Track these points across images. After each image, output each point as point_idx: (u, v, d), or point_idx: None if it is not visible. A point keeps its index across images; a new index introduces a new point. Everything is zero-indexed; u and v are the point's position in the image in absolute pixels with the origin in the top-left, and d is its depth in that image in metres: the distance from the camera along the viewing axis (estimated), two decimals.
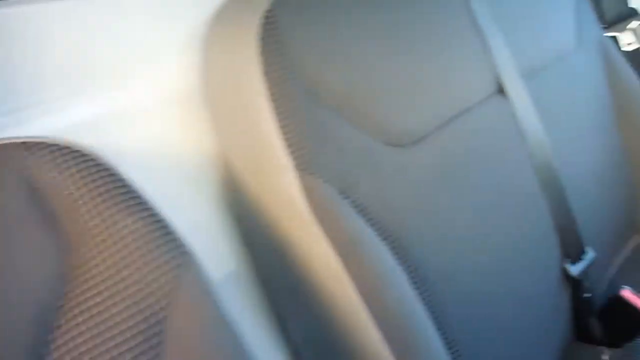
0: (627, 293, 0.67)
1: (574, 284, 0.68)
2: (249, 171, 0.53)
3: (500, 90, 0.68)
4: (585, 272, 0.68)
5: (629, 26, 1.00)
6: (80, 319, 0.33)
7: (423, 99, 0.59)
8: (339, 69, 0.52)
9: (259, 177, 0.52)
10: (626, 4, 1.01)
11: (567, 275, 0.67)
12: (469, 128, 0.63)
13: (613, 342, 0.69)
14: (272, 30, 0.49)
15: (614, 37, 0.99)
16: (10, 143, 0.35)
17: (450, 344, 0.53)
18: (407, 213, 0.53)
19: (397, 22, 0.59)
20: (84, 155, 0.36)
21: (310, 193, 0.48)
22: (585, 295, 0.69)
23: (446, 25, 0.64)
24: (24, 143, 0.35)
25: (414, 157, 0.56)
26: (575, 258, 0.68)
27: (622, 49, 0.99)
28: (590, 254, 0.69)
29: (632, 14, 1.01)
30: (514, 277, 0.63)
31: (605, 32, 0.97)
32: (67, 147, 0.36)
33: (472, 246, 0.59)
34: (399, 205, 0.53)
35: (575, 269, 0.67)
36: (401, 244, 0.52)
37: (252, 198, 0.53)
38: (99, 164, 0.37)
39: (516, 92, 0.68)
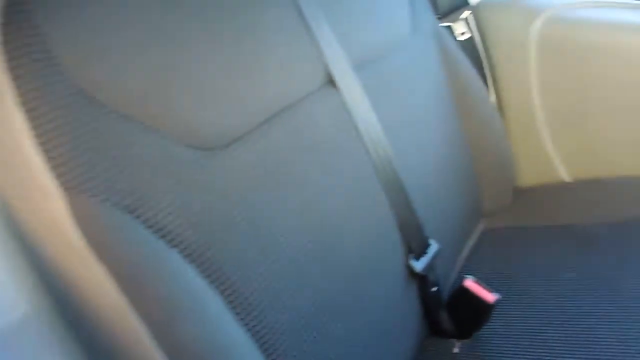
0: (469, 283, 0.66)
1: (420, 280, 0.66)
2: (17, 196, 0.42)
3: (331, 82, 0.63)
4: (430, 266, 0.66)
5: (462, 16, 1.02)
6: None
7: (238, 95, 0.51)
8: (122, 63, 0.43)
9: (26, 203, 0.41)
10: None
11: (412, 272, 0.64)
12: (297, 123, 0.57)
13: (463, 333, 0.68)
14: (19, 23, 0.38)
15: (449, 27, 1.01)
16: None
17: None
18: (221, 226, 0.46)
19: (207, 10, 0.51)
20: None
21: (82, 217, 0.38)
22: (433, 289, 0.67)
23: (266, 16, 0.58)
24: None
25: (229, 161, 0.48)
26: (419, 253, 0.66)
27: (457, 38, 1.01)
28: (434, 247, 0.68)
29: (464, 3, 1.04)
30: (358, 280, 0.59)
31: (440, 22, 0.98)
32: None
33: (306, 253, 0.53)
34: (211, 218, 0.45)
35: (419, 265, 0.64)
36: (214, 265, 0.44)
37: (27, 228, 0.42)
38: None
39: (347, 83, 0.64)
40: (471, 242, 0.89)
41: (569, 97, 0.97)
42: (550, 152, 1.01)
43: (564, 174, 1.01)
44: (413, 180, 0.70)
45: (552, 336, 0.63)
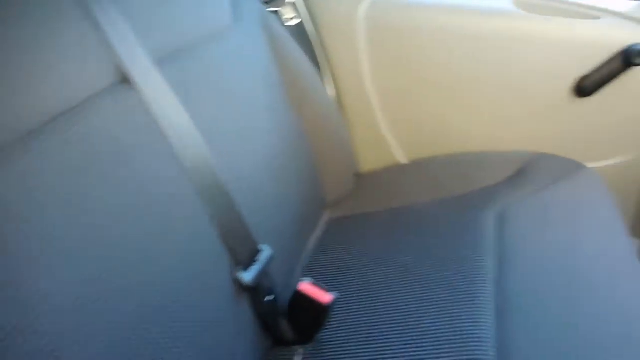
0: (304, 286, 0.62)
1: (252, 291, 0.60)
2: None
3: (126, 80, 0.54)
4: (263, 274, 0.61)
5: (288, 0, 0.98)
6: None
7: None
8: None
9: None
10: None
11: (242, 284, 0.59)
12: (81, 130, 0.47)
13: (305, 338, 0.65)
14: None
15: (277, 13, 0.96)
16: None
17: None
18: None
19: None
20: None
21: None
22: (268, 298, 0.62)
23: (30, 10, 0.47)
24: None
25: None
26: (249, 262, 0.60)
27: (286, 24, 0.97)
28: (266, 253, 0.62)
29: None
30: (177, 305, 0.51)
31: (268, 8, 0.93)
32: None
33: (103, 289, 0.45)
34: None
35: (248, 276, 0.59)
36: None
37: None
38: None
39: (147, 80, 0.56)
40: (316, 236, 0.86)
41: (398, 79, 0.98)
42: (386, 135, 1.02)
43: (401, 156, 1.03)
44: (240, 181, 0.64)
45: (387, 328, 0.62)
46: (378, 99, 1.01)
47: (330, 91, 1.03)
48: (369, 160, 1.04)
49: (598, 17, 0.87)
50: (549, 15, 0.89)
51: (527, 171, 0.86)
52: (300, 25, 0.99)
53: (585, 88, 0.87)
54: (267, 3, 0.94)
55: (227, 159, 0.63)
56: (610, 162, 0.91)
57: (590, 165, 0.90)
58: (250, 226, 0.63)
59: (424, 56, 0.94)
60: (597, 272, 0.64)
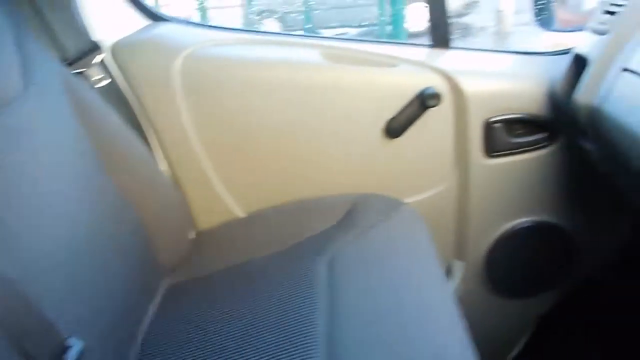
0: None
1: None
2: None
3: None
4: None
5: (95, 60, 0.91)
6: None
7: None
8: None
9: None
10: (88, 36, 0.93)
11: None
12: None
13: None
14: None
15: (83, 75, 0.89)
16: None
17: None
18: None
19: None
20: None
21: None
22: None
23: None
24: None
25: None
26: None
27: (96, 85, 0.90)
28: (76, 348, 0.55)
29: (94, 47, 0.93)
30: None
31: (71, 69, 0.85)
32: None
33: None
34: None
35: None
36: None
37: None
38: None
39: None
40: (153, 308, 0.79)
41: (223, 132, 0.97)
42: (220, 190, 1.00)
43: (238, 210, 1.01)
44: (40, 267, 0.56)
45: None
46: (206, 154, 0.98)
47: (156, 151, 0.98)
48: (206, 218, 1.00)
49: (396, 65, 0.96)
50: (354, 65, 0.96)
51: (354, 213, 0.90)
52: (112, 85, 0.93)
53: (393, 129, 0.95)
54: (70, 65, 0.87)
55: (19, 245, 0.55)
56: (425, 195, 1.00)
57: (409, 199, 0.97)
58: (56, 319, 0.55)
59: (242, 108, 0.95)
60: (412, 305, 0.68)
